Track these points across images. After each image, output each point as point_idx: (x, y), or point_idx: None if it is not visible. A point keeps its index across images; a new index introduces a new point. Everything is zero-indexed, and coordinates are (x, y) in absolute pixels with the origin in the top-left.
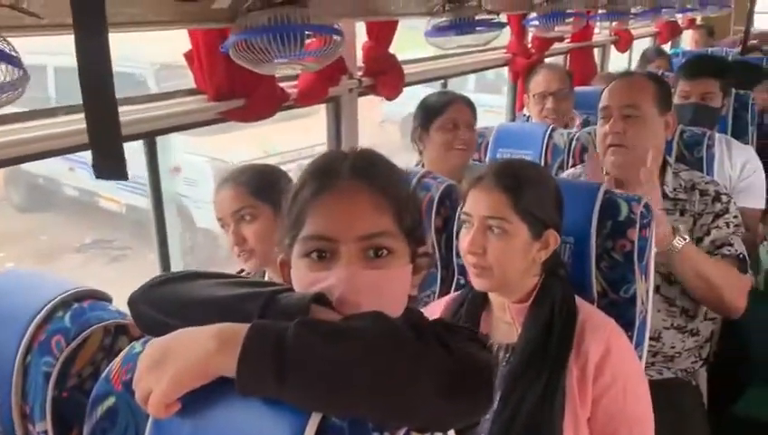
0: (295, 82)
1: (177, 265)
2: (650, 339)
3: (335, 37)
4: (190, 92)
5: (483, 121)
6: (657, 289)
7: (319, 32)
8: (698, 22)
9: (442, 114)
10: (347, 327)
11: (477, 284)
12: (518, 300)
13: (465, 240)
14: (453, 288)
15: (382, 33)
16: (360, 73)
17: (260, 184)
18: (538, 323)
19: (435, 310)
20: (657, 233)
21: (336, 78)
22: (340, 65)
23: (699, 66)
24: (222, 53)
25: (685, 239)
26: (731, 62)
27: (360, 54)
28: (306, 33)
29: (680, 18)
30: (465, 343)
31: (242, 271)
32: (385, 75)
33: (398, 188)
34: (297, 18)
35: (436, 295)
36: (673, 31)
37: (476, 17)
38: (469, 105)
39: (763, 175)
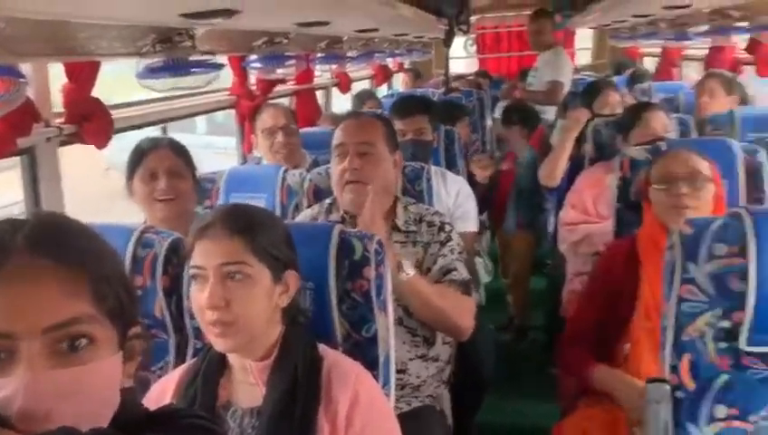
0: None
1: None
2: (398, 372)
3: (19, 80)
4: None
5: (217, 165)
6: (399, 322)
7: None
8: (406, 65)
9: (140, 164)
10: None
11: (220, 344)
12: (260, 358)
13: (200, 297)
14: (189, 355)
15: (84, 75)
16: (60, 120)
17: None
18: (283, 381)
19: (168, 385)
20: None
21: (26, 126)
22: (29, 111)
23: (409, 105)
24: None
25: (408, 273)
26: (436, 100)
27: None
28: None
29: (390, 62)
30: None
31: None
32: (90, 121)
33: (97, 261)
34: None
35: (171, 366)
36: (386, 74)
37: (191, 58)
38: (176, 150)
39: (474, 201)
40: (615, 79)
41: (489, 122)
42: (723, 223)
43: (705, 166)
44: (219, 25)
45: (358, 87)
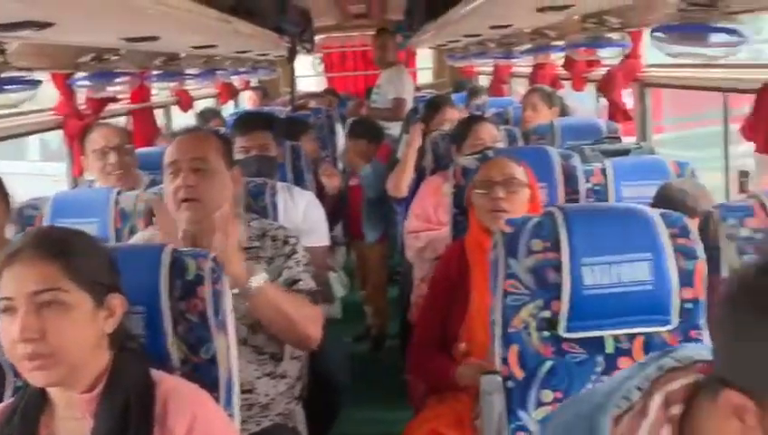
0: None
1: None
2: (245, 392)
3: None
4: None
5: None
6: (244, 341)
7: None
8: (253, 83)
9: None
10: None
11: (37, 379)
12: (86, 389)
13: (11, 330)
14: (8, 395)
15: None
16: None
17: None
18: (113, 413)
19: None
20: (234, 274)
21: None
22: None
23: (251, 121)
24: None
25: (262, 280)
26: (283, 117)
27: None
28: None
29: (236, 80)
30: None
31: None
32: None
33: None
34: None
35: None
36: (231, 92)
37: (4, 75)
38: None
39: (323, 215)
40: (454, 96)
41: (339, 139)
42: (538, 221)
43: (520, 171)
44: (32, 39)
45: (202, 105)
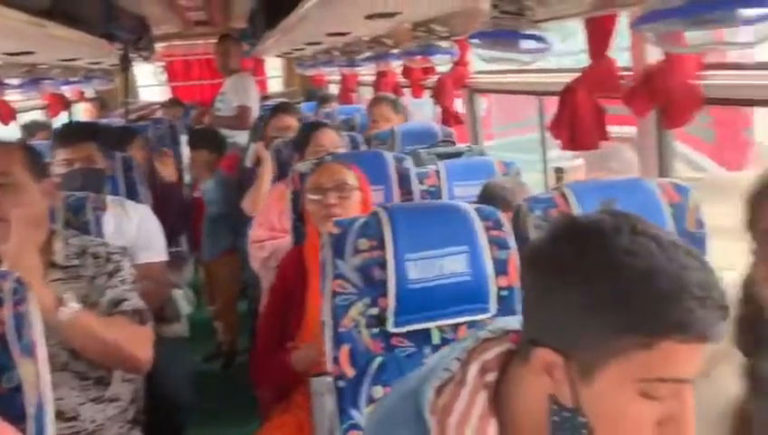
0: None
1: None
2: (68, 419)
3: None
4: None
5: None
6: (65, 366)
7: None
8: (89, 94)
9: None
10: None
11: None
12: None
13: None
14: None
15: None
16: None
17: None
18: None
19: None
20: (40, 303)
21: None
22: None
23: (73, 132)
24: None
25: (70, 309)
26: (114, 127)
27: None
28: None
29: (68, 90)
30: None
31: None
32: None
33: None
34: None
35: None
36: (62, 103)
37: None
38: None
39: (159, 229)
40: (305, 104)
41: (184, 149)
42: (364, 221)
43: (351, 176)
44: None
45: (27, 118)
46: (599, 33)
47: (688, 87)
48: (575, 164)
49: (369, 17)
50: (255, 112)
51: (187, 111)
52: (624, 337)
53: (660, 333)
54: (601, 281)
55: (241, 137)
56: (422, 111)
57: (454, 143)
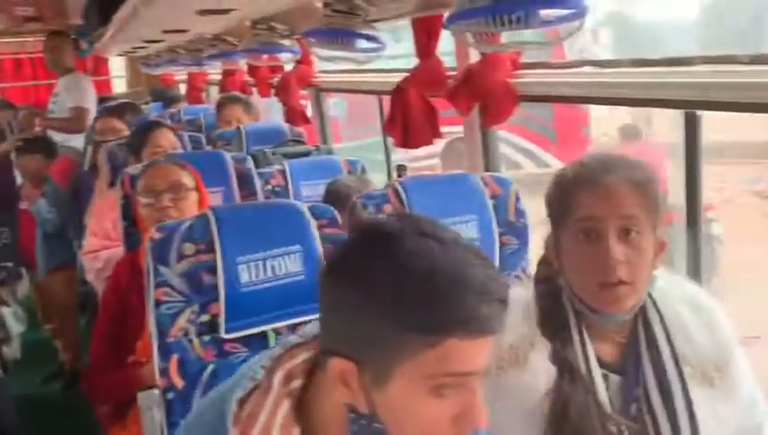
0: None
1: None
2: None
3: None
4: None
5: None
6: None
7: None
8: None
9: None
10: None
11: None
12: None
13: None
14: None
15: None
16: None
17: None
18: None
19: None
20: None
21: None
22: None
23: None
24: None
25: None
26: None
27: None
28: None
29: None
30: None
31: None
32: None
33: None
34: None
35: None
36: None
37: None
38: None
39: None
40: (152, 105)
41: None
42: (190, 224)
43: (185, 176)
44: None
45: None
46: (425, 34)
47: (504, 86)
48: (432, 162)
49: (202, 13)
50: (92, 114)
51: (18, 114)
52: (409, 338)
53: (443, 332)
54: (385, 284)
55: (77, 141)
56: (273, 110)
57: (303, 143)
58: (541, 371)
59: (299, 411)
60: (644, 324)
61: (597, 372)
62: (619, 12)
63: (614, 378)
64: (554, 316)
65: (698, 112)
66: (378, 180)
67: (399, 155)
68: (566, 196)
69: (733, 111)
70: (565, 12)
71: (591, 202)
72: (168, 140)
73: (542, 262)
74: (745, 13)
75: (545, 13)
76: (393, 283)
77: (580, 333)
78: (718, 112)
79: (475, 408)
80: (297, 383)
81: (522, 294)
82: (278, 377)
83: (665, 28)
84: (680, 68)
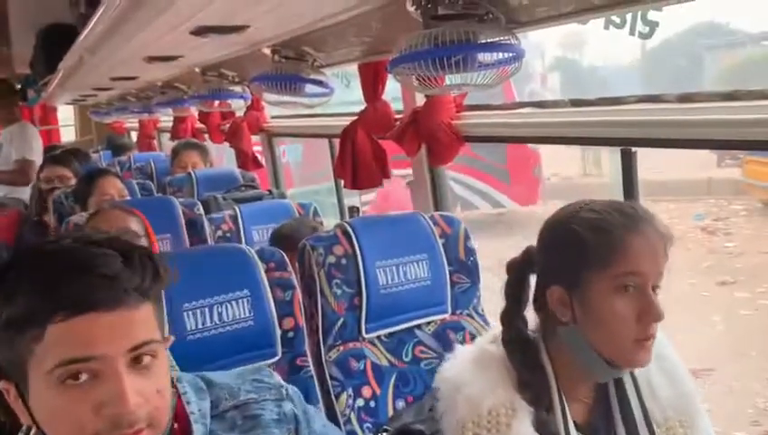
0: None
1: None
2: None
3: None
4: None
5: None
6: None
7: None
8: None
9: None
10: None
11: None
12: None
13: None
14: None
15: None
16: None
17: None
18: None
19: None
20: None
21: None
22: None
23: None
24: None
25: None
26: None
27: None
28: None
29: None
30: None
31: None
32: None
33: None
34: None
35: None
36: None
37: None
38: None
39: None
40: (102, 153)
41: None
42: None
43: (134, 221)
44: None
45: None
46: (371, 78)
47: (449, 127)
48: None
49: (149, 60)
50: (38, 166)
51: None
52: (21, 337)
53: (44, 318)
54: (6, 289)
55: (23, 193)
56: (225, 156)
57: (256, 188)
58: None
59: None
60: (615, 383)
61: None
62: (565, 57)
63: None
64: (535, 380)
65: (633, 149)
66: (332, 224)
67: (356, 199)
68: (613, 246)
69: (664, 147)
70: (503, 55)
71: (641, 255)
72: (115, 187)
73: (511, 317)
74: (684, 56)
75: (484, 56)
76: None
77: (560, 396)
78: (660, 153)
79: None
80: None
81: (491, 350)
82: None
83: (609, 71)
84: (615, 107)
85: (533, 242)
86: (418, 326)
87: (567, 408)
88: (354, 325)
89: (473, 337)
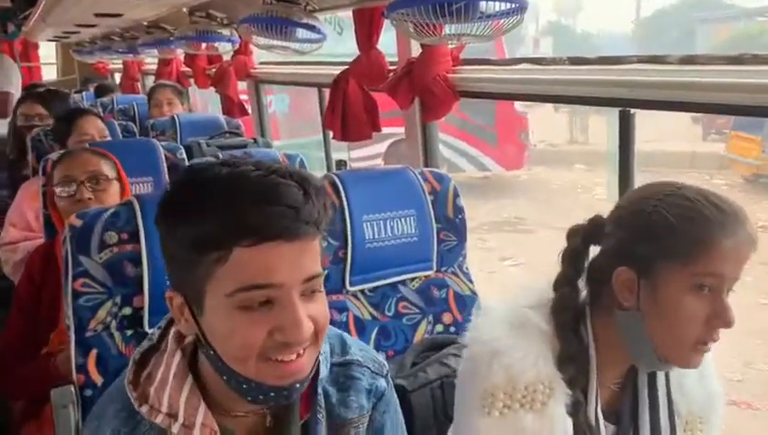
0: None
1: None
2: None
3: None
4: None
5: None
6: None
7: None
8: None
9: None
10: None
11: None
12: None
13: None
14: None
15: None
16: None
17: None
18: None
19: None
20: None
21: None
22: None
23: None
24: None
25: None
26: None
27: None
28: None
29: None
30: None
31: None
32: None
33: None
34: None
35: None
36: None
37: None
38: None
39: None
40: (84, 94)
41: None
42: (113, 212)
43: (107, 165)
44: None
45: None
46: (366, 25)
47: (444, 80)
48: (375, 163)
49: None
50: (17, 97)
51: None
52: (204, 258)
53: (231, 242)
54: (192, 212)
55: (2, 127)
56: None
57: (240, 135)
58: (558, 421)
59: (193, 363)
60: (649, 377)
61: (602, 424)
62: (559, 22)
63: (609, 427)
64: (578, 360)
65: (632, 110)
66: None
67: (344, 156)
68: (702, 242)
69: (665, 109)
70: (506, 6)
71: (728, 259)
72: (95, 127)
73: (566, 286)
74: (678, 27)
75: (486, 5)
76: (197, 209)
77: (597, 379)
78: (649, 123)
79: (290, 318)
80: (190, 339)
81: (531, 317)
82: (170, 336)
83: (602, 39)
84: (616, 66)
85: (516, 206)
86: (402, 282)
87: (599, 394)
88: (338, 278)
89: (456, 295)
